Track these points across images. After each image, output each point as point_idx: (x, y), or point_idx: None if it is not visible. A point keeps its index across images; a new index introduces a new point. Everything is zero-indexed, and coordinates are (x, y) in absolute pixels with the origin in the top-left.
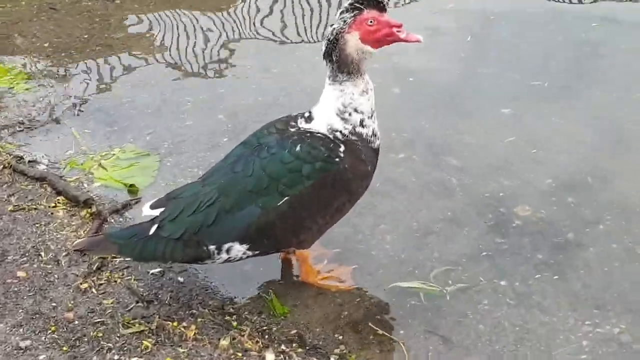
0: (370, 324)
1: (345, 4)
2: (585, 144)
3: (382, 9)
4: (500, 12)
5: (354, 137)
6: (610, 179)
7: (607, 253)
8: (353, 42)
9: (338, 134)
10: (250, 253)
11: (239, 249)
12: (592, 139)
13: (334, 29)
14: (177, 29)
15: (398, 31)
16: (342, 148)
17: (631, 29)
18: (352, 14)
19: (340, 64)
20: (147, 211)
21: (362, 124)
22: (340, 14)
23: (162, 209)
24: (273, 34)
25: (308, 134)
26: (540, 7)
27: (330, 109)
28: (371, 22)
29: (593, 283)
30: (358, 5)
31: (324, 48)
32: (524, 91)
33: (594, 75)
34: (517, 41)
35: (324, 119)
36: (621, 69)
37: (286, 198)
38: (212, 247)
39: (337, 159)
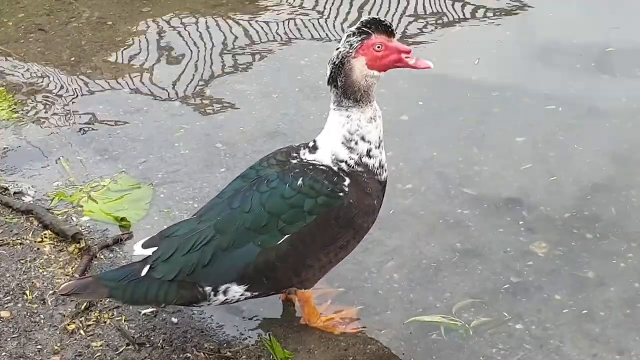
0: None
1: (352, 28)
2: (603, 172)
3: (390, 33)
4: (510, 35)
5: (359, 168)
6: (630, 211)
7: (629, 293)
8: (359, 67)
9: (343, 164)
10: (248, 294)
11: (236, 290)
12: (609, 168)
13: (340, 52)
14: (172, 52)
15: (407, 57)
16: (346, 181)
17: None
18: (360, 38)
19: (346, 89)
20: (139, 250)
21: (368, 154)
22: (347, 37)
23: (154, 249)
24: (273, 55)
25: (310, 167)
26: (552, 30)
27: (335, 137)
28: (379, 47)
29: (615, 325)
30: (366, 29)
31: (328, 73)
32: (539, 116)
33: (610, 98)
34: (529, 63)
35: (329, 147)
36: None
37: (287, 236)
38: (208, 289)
39: (341, 193)
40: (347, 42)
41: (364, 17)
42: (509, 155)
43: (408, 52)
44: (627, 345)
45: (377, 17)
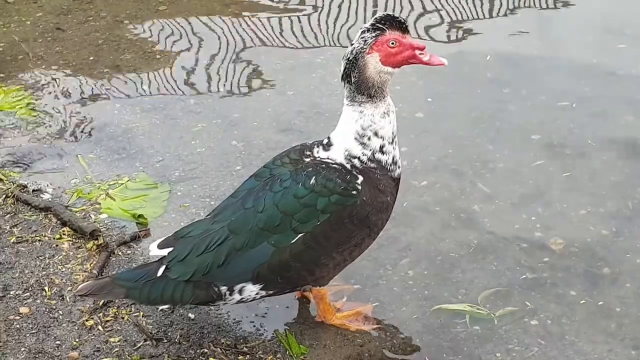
0: None
1: (367, 24)
2: (618, 169)
3: (404, 30)
4: (524, 31)
5: (372, 165)
6: None
7: None
8: (373, 63)
9: (356, 161)
10: (263, 293)
11: (251, 289)
12: (624, 164)
13: (354, 48)
14: (189, 51)
15: (421, 54)
16: (359, 179)
17: None
18: (374, 35)
19: (360, 85)
20: (154, 251)
21: (382, 150)
22: (361, 33)
23: (170, 249)
24: (290, 47)
25: (323, 165)
26: (568, 26)
27: (348, 133)
28: (393, 43)
29: (630, 322)
30: (380, 25)
31: (342, 68)
32: (554, 113)
33: (624, 95)
34: (543, 60)
35: (342, 144)
36: None
37: (300, 235)
38: (223, 288)
39: (354, 192)
40: (362, 38)
41: (379, 14)
42: (523, 151)
43: (422, 49)
44: None
45: (391, 13)
